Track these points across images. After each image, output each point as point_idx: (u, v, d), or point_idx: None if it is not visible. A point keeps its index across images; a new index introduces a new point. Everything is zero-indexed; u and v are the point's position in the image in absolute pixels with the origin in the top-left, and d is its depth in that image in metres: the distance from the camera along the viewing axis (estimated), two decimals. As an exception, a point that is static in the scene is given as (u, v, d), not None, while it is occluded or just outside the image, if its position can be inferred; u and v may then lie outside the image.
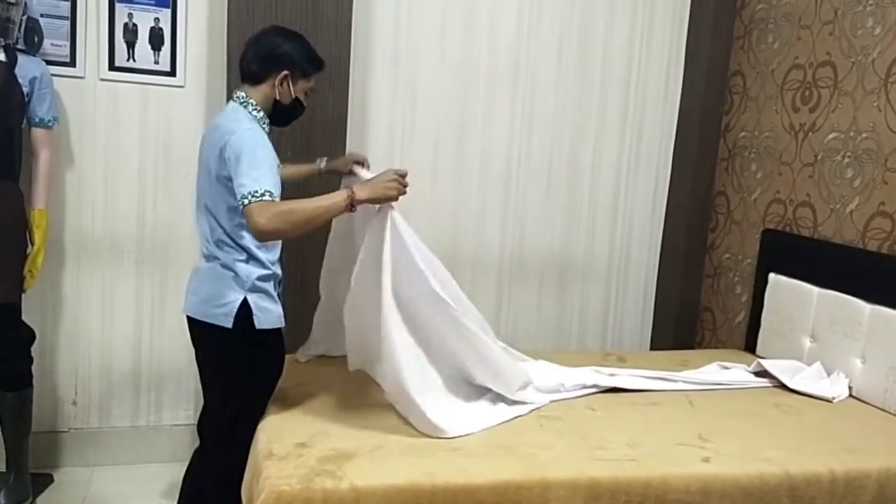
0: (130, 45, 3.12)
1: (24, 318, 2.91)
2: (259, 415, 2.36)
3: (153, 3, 3.12)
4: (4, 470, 2.98)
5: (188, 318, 2.35)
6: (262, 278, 2.27)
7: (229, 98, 3.02)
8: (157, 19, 3.13)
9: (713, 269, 3.91)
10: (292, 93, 2.34)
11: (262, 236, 2.08)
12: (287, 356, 2.48)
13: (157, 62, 3.16)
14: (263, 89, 2.31)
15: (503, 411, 2.46)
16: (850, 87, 3.08)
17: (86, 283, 3.22)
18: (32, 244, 2.87)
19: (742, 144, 3.71)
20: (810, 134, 3.28)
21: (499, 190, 3.64)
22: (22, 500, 2.95)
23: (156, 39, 3.14)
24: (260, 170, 2.10)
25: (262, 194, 2.06)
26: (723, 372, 3.07)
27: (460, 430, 2.29)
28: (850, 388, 2.92)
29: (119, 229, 3.23)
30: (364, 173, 2.52)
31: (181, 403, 3.40)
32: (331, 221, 2.49)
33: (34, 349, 2.97)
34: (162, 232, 3.27)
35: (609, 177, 3.80)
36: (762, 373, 3.04)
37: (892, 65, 2.91)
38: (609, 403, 2.66)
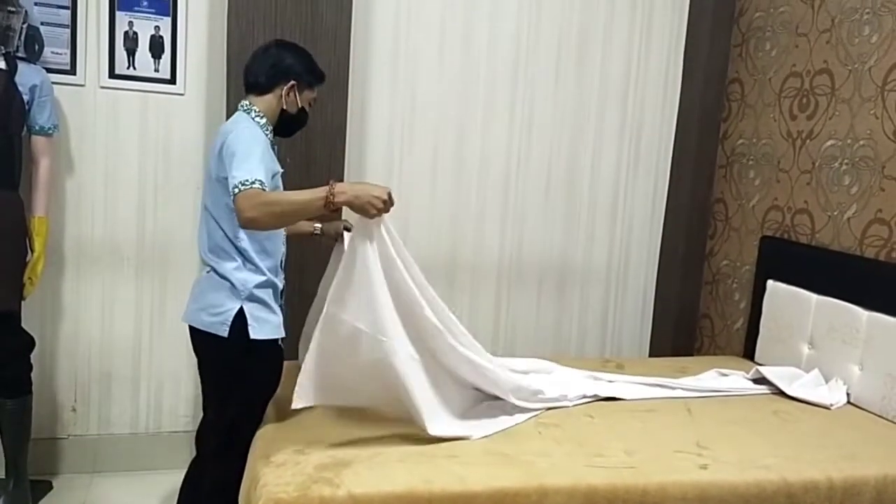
0: (131, 52, 3.14)
1: (23, 324, 2.92)
2: (257, 423, 2.37)
3: (153, 11, 3.14)
4: (3, 476, 2.98)
5: (189, 327, 2.36)
6: (259, 287, 2.27)
7: (229, 105, 3.07)
8: (157, 27, 3.15)
9: (712, 276, 3.91)
10: (298, 102, 2.40)
11: (245, 224, 2.08)
12: (286, 363, 2.49)
13: (157, 70, 3.17)
14: (269, 99, 2.36)
15: (503, 421, 2.46)
16: (848, 94, 3.09)
17: (85, 290, 3.23)
18: (32, 251, 2.88)
19: (740, 151, 3.72)
20: (808, 141, 3.29)
21: (498, 196, 3.65)
22: (21, 506, 2.95)
23: (156, 47, 3.16)
24: (252, 162, 2.12)
25: (252, 182, 2.06)
26: (721, 379, 3.08)
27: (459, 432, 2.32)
28: (848, 394, 2.92)
29: (119, 236, 3.23)
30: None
31: (180, 410, 3.41)
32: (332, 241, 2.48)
33: (34, 356, 2.98)
34: (161, 239, 3.28)
35: (608, 183, 3.80)
36: (760, 380, 3.04)
37: (888, 72, 2.92)
38: (607, 411, 2.66)
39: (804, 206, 3.29)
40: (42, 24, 3.01)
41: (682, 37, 3.78)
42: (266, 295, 2.30)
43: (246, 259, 2.27)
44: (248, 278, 2.26)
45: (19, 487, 2.95)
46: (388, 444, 2.22)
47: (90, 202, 3.18)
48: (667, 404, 2.77)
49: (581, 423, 2.52)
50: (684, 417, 2.66)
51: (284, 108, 2.38)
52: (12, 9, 2.77)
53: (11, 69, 2.77)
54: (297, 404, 2.20)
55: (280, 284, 2.40)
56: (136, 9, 3.12)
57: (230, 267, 2.27)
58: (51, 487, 3.16)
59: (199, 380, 2.51)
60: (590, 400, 2.75)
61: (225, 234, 2.27)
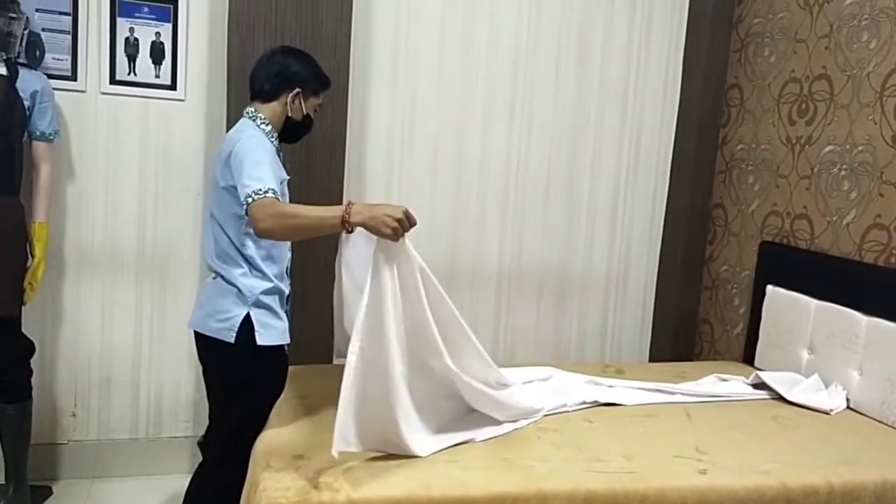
0: (131, 58, 3.15)
1: (23, 330, 2.92)
2: (260, 429, 2.37)
3: (154, 17, 3.15)
4: (3, 482, 2.98)
5: (194, 333, 2.37)
6: (265, 293, 2.28)
7: (229, 112, 3.08)
8: (158, 33, 3.16)
9: (711, 282, 3.92)
10: (304, 109, 2.40)
11: (261, 234, 2.10)
12: (292, 367, 2.49)
13: (157, 76, 3.18)
14: (274, 107, 2.37)
15: (504, 427, 2.46)
16: (846, 100, 3.10)
17: (86, 296, 3.23)
18: (33, 257, 2.88)
19: (739, 157, 3.73)
20: (807, 147, 3.29)
21: (497, 203, 3.66)
22: (21, 512, 2.95)
23: (157, 53, 3.17)
24: (262, 171, 2.13)
25: (266, 192, 2.08)
26: (720, 384, 3.08)
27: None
28: (847, 399, 2.92)
29: (119, 242, 3.24)
30: None
31: (180, 416, 3.41)
32: (336, 235, 2.38)
33: (34, 361, 2.98)
34: (162, 244, 3.29)
35: (607, 189, 3.81)
36: (760, 385, 3.04)
37: (887, 78, 2.93)
38: (606, 416, 2.66)
39: (803, 211, 3.29)
40: (43, 30, 3.02)
41: (681, 42, 3.79)
42: (272, 301, 2.31)
43: (252, 266, 2.28)
44: (254, 284, 2.27)
45: (19, 492, 2.95)
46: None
47: (91, 208, 3.19)
48: (666, 409, 2.77)
49: (580, 428, 2.52)
50: (684, 422, 2.66)
51: (290, 115, 2.39)
52: (13, 15, 2.78)
53: (12, 75, 2.78)
54: (338, 447, 2.01)
55: (286, 290, 2.40)
56: (136, 15, 3.13)
57: (237, 273, 2.27)
58: (51, 493, 3.16)
59: (199, 385, 2.52)
60: (589, 405, 2.75)
61: (231, 240, 2.28)
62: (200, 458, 2.56)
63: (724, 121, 3.85)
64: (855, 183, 3.05)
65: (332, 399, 2.56)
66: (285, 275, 2.41)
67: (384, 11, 3.38)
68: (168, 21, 3.16)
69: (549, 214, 3.74)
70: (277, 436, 2.30)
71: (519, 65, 3.60)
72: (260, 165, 2.15)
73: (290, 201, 2.39)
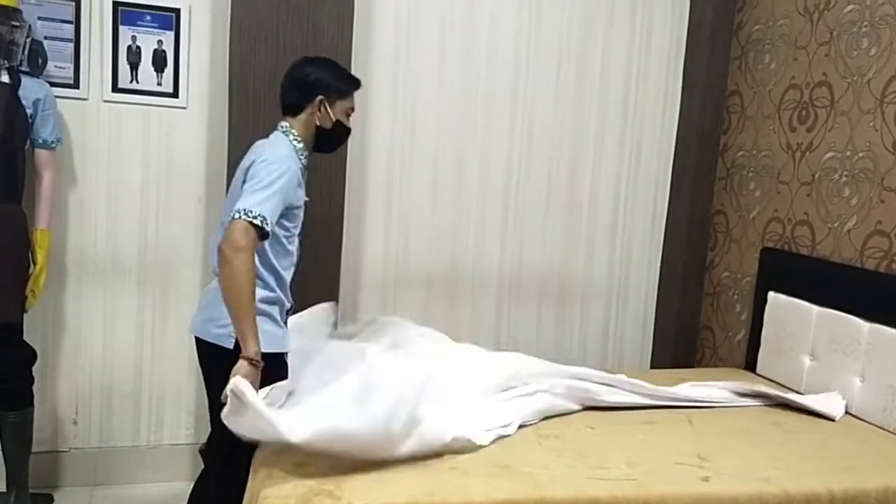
0: (134, 66, 3.16)
1: (25, 337, 2.93)
2: None
3: (156, 25, 3.16)
4: (5, 490, 2.98)
5: (195, 338, 2.36)
6: (266, 301, 2.28)
7: (230, 119, 3.10)
8: (160, 41, 3.17)
9: (712, 288, 3.91)
10: (332, 116, 2.38)
11: (221, 249, 2.09)
12: None
13: (159, 84, 3.19)
14: (303, 118, 2.37)
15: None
16: (847, 107, 3.10)
17: (87, 303, 3.24)
18: (35, 264, 2.89)
19: (740, 163, 3.73)
20: (807, 153, 3.30)
21: (498, 210, 3.66)
22: (22, 519, 2.95)
23: (159, 61, 3.18)
24: (269, 198, 2.14)
25: (255, 216, 2.10)
26: (700, 388, 3.02)
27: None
28: (846, 406, 2.92)
29: (121, 249, 3.24)
30: None
31: (182, 423, 3.40)
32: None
33: (35, 369, 2.98)
34: (163, 252, 3.29)
35: (608, 196, 3.81)
36: (748, 394, 3.02)
37: (887, 85, 2.93)
38: (608, 422, 2.66)
39: (804, 217, 3.30)
40: (45, 38, 3.03)
41: (681, 49, 3.80)
42: (273, 310, 2.31)
43: (257, 276, 2.27)
44: (257, 292, 2.26)
45: (21, 500, 2.95)
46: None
47: (92, 215, 3.20)
48: (668, 416, 2.76)
49: (582, 435, 2.52)
50: (685, 429, 2.66)
51: (318, 123, 2.37)
52: (16, 23, 2.79)
53: (15, 83, 2.79)
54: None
55: (288, 303, 2.40)
56: (139, 23, 3.14)
57: None
58: (52, 500, 3.16)
59: (200, 392, 2.53)
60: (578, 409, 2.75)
61: None
62: (202, 466, 2.56)
63: (724, 127, 3.85)
64: (856, 189, 3.05)
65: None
66: (288, 288, 2.41)
67: (385, 21, 3.40)
68: (170, 29, 3.17)
69: (550, 222, 3.74)
70: (278, 444, 2.30)
71: (519, 73, 3.61)
72: (271, 191, 2.15)
73: (297, 216, 2.39)
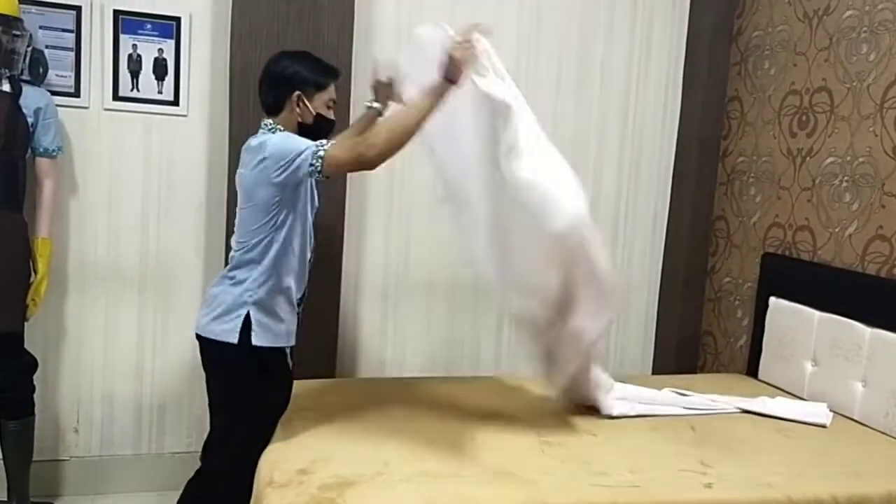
0: (134, 75, 3.16)
1: (26, 346, 2.92)
2: (266, 442, 2.36)
3: (157, 33, 3.17)
4: (6, 499, 2.97)
5: (197, 337, 2.36)
6: (271, 293, 2.28)
7: (231, 126, 3.10)
8: (160, 50, 3.17)
9: (714, 293, 3.91)
10: (312, 110, 2.36)
11: (370, 162, 2.17)
12: (295, 382, 2.49)
13: (160, 92, 3.20)
14: (285, 116, 2.36)
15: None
16: (847, 112, 3.11)
17: (88, 312, 3.23)
18: (36, 272, 2.89)
19: (740, 169, 3.74)
20: (808, 158, 3.30)
21: (499, 216, 3.66)
22: (23, 529, 2.94)
23: (159, 70, 3.18)
24: (302, 142, 2.19)
25: (320, 144, 2.16)
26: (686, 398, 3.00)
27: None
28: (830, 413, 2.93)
29: (122, 257, 3.24)
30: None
31: (183, 431, 3.40)
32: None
33: (36, 377, 2.98)
34: (164, 260, 3.29)
35: (609, 202, 3.81)
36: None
37: (887, 90, 2.94)
38: (610, 428, 2.65)
39: (805, 222, 3.30)
40: (47, 47, 3.04)
41: (681, 55, 3.81)
42: (276, 302, 2.31)
43: (266, 267, 2.28)
44: (262, 286, 2.27)
45: (21, 509, 2.95)
46: (392, 463, 2.22)
47: (93, 223, 3.20)
48: (670, 422, 2.76)
49: (585, 441, 2.52)
50: (688, 435, 2.65)
51: (300, 120, 2.36)
52: (17, 32, 2.80)
53: (16, 92, 2.80)
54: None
55: (297, 293, 2.39)
56: (139, 32, 3.15)
57: (246, 274, 2.28)
58: (53, 509, 3.16)
59: (201, 400, 2.51)
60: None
61: (248, 247, 2.28)
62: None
63: (724, 133, 3.85)
64: (856, 194, 3.05)
65: (335, 413, 2.58)
66: (304, 277, 2.42)
67: (385, 25, 3.40)
68: (171, 37, 3.18)
69: (551, 227, 3.74)
70: (281, 450, 2.30)
71: (519, 79, 3.56)
72: (299, 140, 2.20)
73: (310, 212, 2.40)
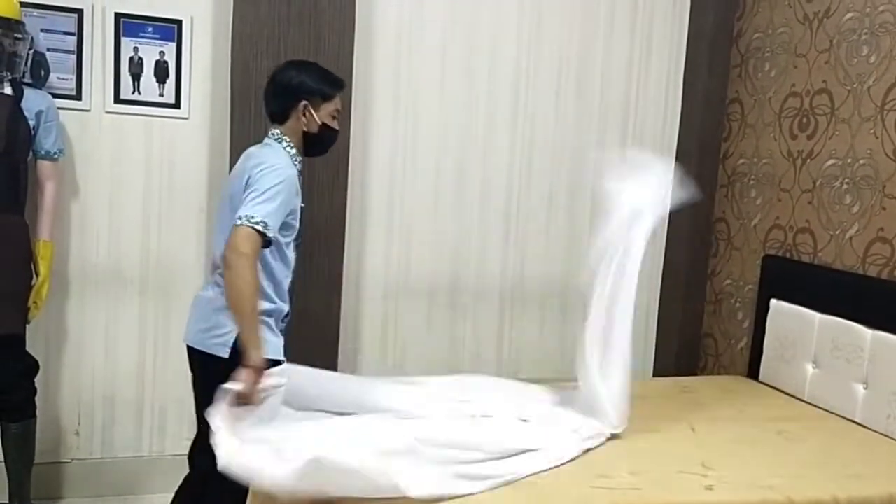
0: (136, 78, 3.17)
1: (27, 348, 2.93)
2: None
3: (158, 36, 3.17)
4: (7, 501, 2.97)
5: (188, 347, 2.36)
6: (263, 313, 2.27)
7: (232, 129, 3.10)
8: (162, 52, 3.18)
9: (714, 296, 3.91)
10: (318, 119, 2.37)
11: (226, 255, 2.12)
12: None
13: (161, 95, 3.20)
14: (290, 125, 2.36)
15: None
16: (847, 114, 3.11)
17: (89, 314, 3.24)
18: (37, 275, 2.89)
19: (741, 171, 3.74)
20: (808, 161, 3.30)
21: (500, 219, 3.66)
22: (24, 531, 2.95)
23: (161, 72, 3.19)
24: (271, 205, 2.15)
25: (258, 223, 2.11)
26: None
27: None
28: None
29: (123, 260, 3.25)
30: None
31: (184, 433, 3.39)
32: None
33: (37, 380, 2.98)
34: (165, 262, 3.29)
35: (609, 204, 3.81)
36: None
37: (887, 92, 2.94)
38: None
39: (806, 224, 3.30)
40: (48, 50, 3.04)
41: (681, 57, 3.81)
42: (270, 321, 2.31)
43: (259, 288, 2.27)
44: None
45: (23, 512, 2.95)
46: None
47: (95, 226, 3.20)
48: (671, 424, 2.75)
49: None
50: (688, 437, 2.65)
51: (305, 129, 2.36)
52: (19, 35, 2.80)
53: (18, 95, 2.80)
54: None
55: (284, 309, 2.40)
56: (141, 35, 3.15)
57: None
58: (54, 512, 3.16)
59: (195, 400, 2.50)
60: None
61: None
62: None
63: (725, 135, 3.86)
64: (857, 196, 3.05)
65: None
66: (286, 294, 2.41)
67: (386, 30, 3.41)
68: (172, 40, 3.18)
69: (552, 232, 3.74)
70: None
71: (520, 81, 3.62)
72: (273, 199, 2.16)
73: (294, 225, 2.39)
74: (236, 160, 2.48)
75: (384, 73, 3.43)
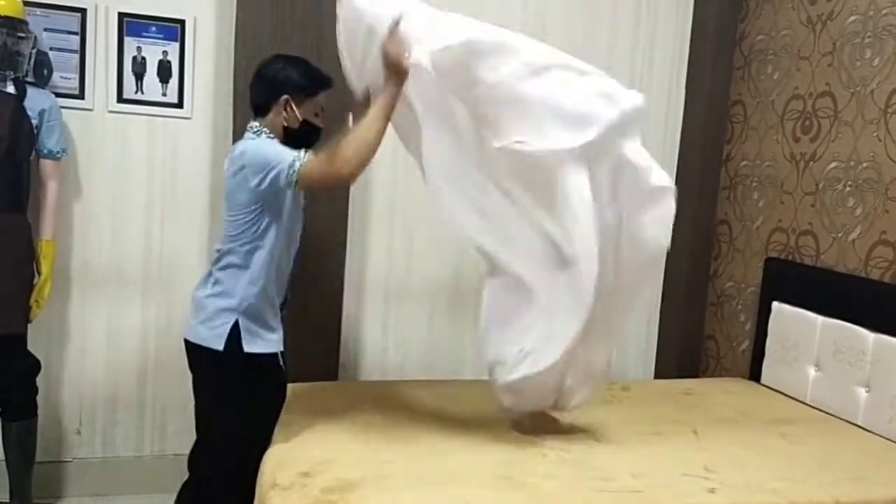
0: (139, 77, 3.17)
1: (29, 347, 2.93)
2: (260, 446, 2.35)
3: (162, 36, 3.17)
4: (8, 500, 2.97)
5: (185, 344, 2.37)
6: (257, 301, 2.28)
7: (235, 129, 3.10)
8: (165, 52, 3.18)
9: (716, 298, 3.91)
10: (298, 115, 2.34)
11: (343, 180, 2.21)
12: (295, 385, 2.48)
13: (164, 94, 3.20)
14: (271, 118, 2.35)
15: None
16: (850, 117, 3.10)
17: (91, 313, 3.24)
18: (39, 274, 2.89)
19: (743, 173, 3.74)
20: (811, 163, 3.30)
21: (502, 219, 3.66)
22: (25, 530, 2.95)
23: (164, 72, 3.19)
24: (281, 153, 2.19)
25: (297, 158, 2.15)
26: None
27: None
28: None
29: (125, 259, 3.25)
30: None
31: (186, 433, 3.38)
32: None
33: (39, 379, 2.98)
34: (168, 262, 3.29)
35: (612, 206, 3.81)
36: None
37: (891, 95, 2.94)
38: (613, 433, 2.65)
39: (808, 227, 3.30)
40: (51, 49, 3.04)
41: (684, 59, 3.81)
42: (264, 311, 2.31)
43: (251, 275, 2.27)
44: (248, 293, 2.27)
45: (24, 511, 2.95)
46: (394, 467, 2.22)
47: (97, 225, 3.20)
48: (673, 427, 2.76)
49: (587, 446, 2.51)
50: (691, 440, 2.65)
51: (285, 124, 2.34)
52: (22, 34, 2.81)
53: (21, 94, 2.81)
54: None
55: (279, 299, 2.39)
56: (144, 34, 3.15)
57: (233, 281, 2.28)
58: (55, 511, 3.16)
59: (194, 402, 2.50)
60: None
61: (233, 251, 2.28)
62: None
63: (727, 137, 3.85)
64: (860, 199, 3.05)
65: (338, 416, 2.58)
66: (285, 284, 2.41)
67: (389, 30, 3.40)
68: (175, 40, 3.19)
69: (554, 231, 3.74)
70: (283, 453, 2.30)
71: (523, 82, 3.61)
72: (275, 150, 2.20)
73: (295, 219, 2.39)
74: (238, 160, 2.48)
75: (387, 73, 3.42)
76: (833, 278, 3.11)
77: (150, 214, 3.26)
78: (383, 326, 3.57)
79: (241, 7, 3.08)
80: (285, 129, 2.35)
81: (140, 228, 3.25)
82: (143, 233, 3.26)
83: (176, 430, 3.38)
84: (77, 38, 3.09)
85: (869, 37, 3.04)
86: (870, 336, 2.89)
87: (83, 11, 3.07)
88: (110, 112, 3.16)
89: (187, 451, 3.39)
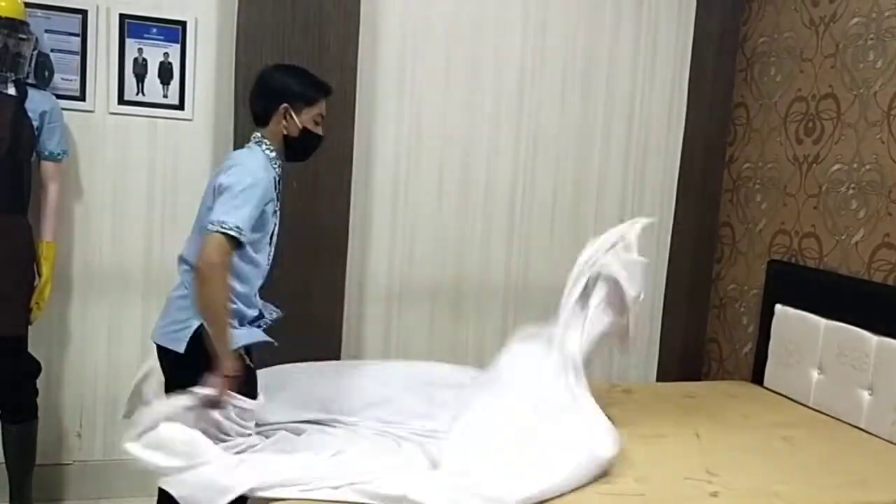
0: (140, 79, 3.16)
1: (30, 349, 2.92)
2: None
3: (163, 38, 3.17)
4: (8, 503, 2.96)
5: (155, 344, 2.36)
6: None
7: (236, 130, 3.10)
8: (166, 54, 3.17)
9: (719, 300, 3.90)
10: (298, 124, 2.35)
11: (199, 264, 2.12)
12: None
13: (165, 96, 3.20)
14: (272, 127, 2.35)
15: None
16: (853, 119, 3.10)
17: (92, 315, 3.23)
18: (40, 276, 2.89)
19: (746, 175, 3.73)
20: (814, 165, 3.29)
21: (503, 221, 3.66)
22: (25, 533, 2.94)
23: (165, 74, 3.19)
24: (244, 209, 2.15)
25: (231, 228, 2.11)
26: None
27: None
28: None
29: (126, 261, 3.24)
30: None
31: (186, 435, 3.39)
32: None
33: (39, 381, 2.98)
34: (168, 263, 3.26)
35: (614, 208, 3.80)
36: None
37: (894, 97, 2.93)
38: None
39: (811, 229, 3.28)
40: (52, 50, 3.04)
41: (686, 61, 3.80)
42: (231, 320, 2.27)
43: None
44: None
45: (24, 514, 2.95)
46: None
47: (98, 227, 3.19)
48: (675, 430, 2.75)
49: (589, 449, 2.50)
50: (693, 444, 2.64)
51: (285, 133, 2.34)
52: (23, 36, 2.80)
53: (21, 95, 2.80)
54: None
55: (250, 313, 2.37)
56: (145, 36, 3.15)
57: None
58: (55, 514, 3.15)
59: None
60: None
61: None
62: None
63: (730, 139, 3.84)
64: (863, 201, 3.04)
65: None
66: (254, 297, 2.38)
67: (390, 32, 3.40)
68: (176, 42, 3.18)
69: (556, 233, 3.73)
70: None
71: (525, 84, 3.61)
72: (245, 200, 2.16)
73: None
74: (240, 161, 2.47)
75: (388, 75, 3.42)
76: (836, 281, 3.10)
77: (151, 216, 3.25)
78: (385, 327, 3.56)
79: (242, 8, 3.08)
80: (285, 137, 2.35)
81: (141, 230, 3.24)
82: (143, 235, 3.25)
83: (176, 432, 3.37)
84: (78, 39, 3.08)
85: (872, 39, 3.03)
86: (873, 339, 2.88)
87: (84, 13, 3.07)
88: (111, 114, 3.16)
89: (187, 454, 3.39)
